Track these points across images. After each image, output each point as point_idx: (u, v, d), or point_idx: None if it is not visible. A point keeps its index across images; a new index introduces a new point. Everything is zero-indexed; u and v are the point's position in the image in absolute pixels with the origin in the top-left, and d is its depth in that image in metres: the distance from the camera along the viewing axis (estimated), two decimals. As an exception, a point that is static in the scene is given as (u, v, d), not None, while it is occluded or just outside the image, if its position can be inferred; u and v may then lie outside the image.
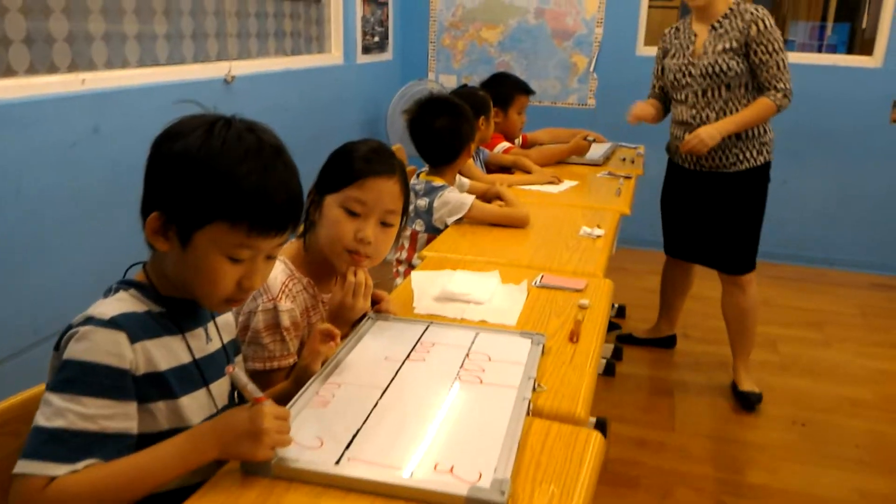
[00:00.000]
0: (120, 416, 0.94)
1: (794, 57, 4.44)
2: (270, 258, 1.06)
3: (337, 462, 0.98)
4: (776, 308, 3.70)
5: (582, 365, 1.29)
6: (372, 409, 1.10)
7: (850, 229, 4.28)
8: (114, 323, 0.95)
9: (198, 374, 1.06)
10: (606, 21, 4.30)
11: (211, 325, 1.13)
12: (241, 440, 0.95)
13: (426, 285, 1.65)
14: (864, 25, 4.74)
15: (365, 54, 4.21)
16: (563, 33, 4.38)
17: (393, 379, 1.19)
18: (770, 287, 3.94)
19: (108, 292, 1.03)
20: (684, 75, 2.67)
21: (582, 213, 2.26)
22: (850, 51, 5.13)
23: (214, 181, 0.97)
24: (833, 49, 5.56)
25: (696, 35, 2.67)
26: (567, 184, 2.70)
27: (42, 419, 0.90)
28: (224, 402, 1.12)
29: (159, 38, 2.65)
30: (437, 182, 2.26)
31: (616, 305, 3.59)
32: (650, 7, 4.34)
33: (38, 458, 0.88)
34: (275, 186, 1.00)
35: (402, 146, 3.32)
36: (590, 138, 3.31)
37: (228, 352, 1.15)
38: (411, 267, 2.16)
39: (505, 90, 3.18)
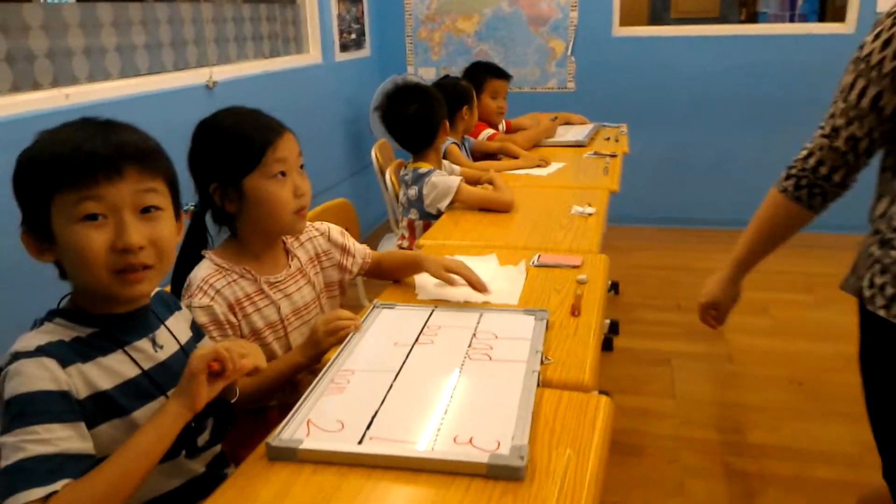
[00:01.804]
0: (76, 437, 0.92)
1: (766, 28, 4.54)
2: (146, 212, 0.99)
3: (359, 442, 1.01)
4: (767, 274, 3.71)
5: (585, 336, 1.33)
6: (388, 392, 1.13)
7: (833, 192, 4.35)
8: (41, 351, 0.94)
9: (150, 384, 1.04)
10: (581, 4, 4.33)
11: (161, 332, 1.10)
12: (183, 386, 0.98)
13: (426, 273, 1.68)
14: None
15: (343, 52, 4.22)
16: (539, 19, 4.41)
17: (404, 362, 1.22)
18: (758, 254, 4.01)
19: (34, 325, 1.01)
20: None
21: (572, 194, 2.30)
22: (821, 18, 5.19)
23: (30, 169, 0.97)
24: (804, 18, 5.63)
25: None
26: (555, 166, 2.74)
27: (3, 463, 0.87)
28: None
29: (138, 48, 2.66)
30: (424, 168, 2.30)
31: (609, 282, 3.63)
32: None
33: (13, 493, 0.84)
34: (83, 137, 0.97)
35: (386, 141, 3.35)
36: (553, 118, 3.41)
37: (189, 351, 1.12)
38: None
39: (476, 75, 3.23)
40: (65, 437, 0.91)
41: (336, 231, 1.63)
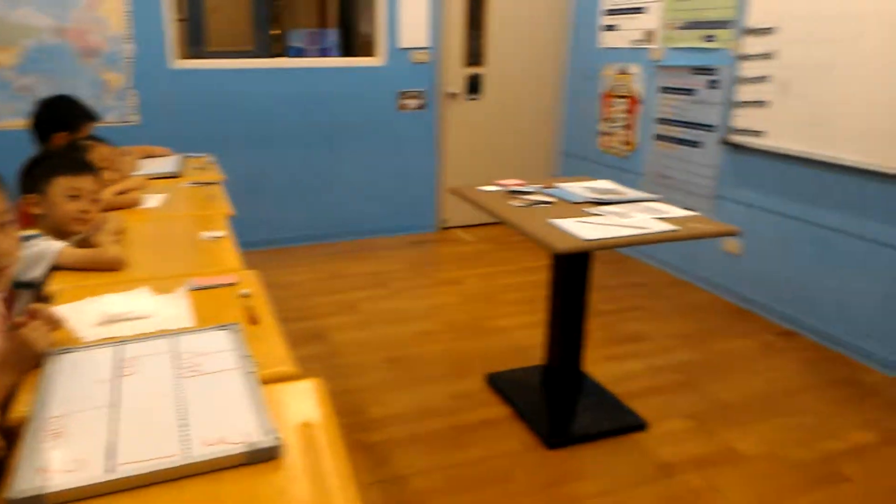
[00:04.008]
0: None
1: (308, 62, 5.11)
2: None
3: (110, 471, 1.04)
4: (349, 278, 4.32)
5: (271, 337, 1.51)
6: (117, 423, 1.15)
7: (383, 202, 5.17)
8: None
9: None
10: (136, 37, 4.27)
11: None
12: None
13: (77, 315, 1.62)
14: (367, 30, 5.60)
15: None
16: (89, 51, 4.21)
17: (118, 395, 1.24)
18: (337, 261, 4.57)
19: None
20: None
21: (193, 221, 2.38)
22: (347, 52, 6.04)
23: None
24: (329, 53, 6.45)
25: None
26: (159, 197, 2.75)
27: None
28: None
29: None
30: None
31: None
32: (179, 21, 4.47)
33: None
34: None
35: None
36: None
37: None
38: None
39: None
40: None
41: None
